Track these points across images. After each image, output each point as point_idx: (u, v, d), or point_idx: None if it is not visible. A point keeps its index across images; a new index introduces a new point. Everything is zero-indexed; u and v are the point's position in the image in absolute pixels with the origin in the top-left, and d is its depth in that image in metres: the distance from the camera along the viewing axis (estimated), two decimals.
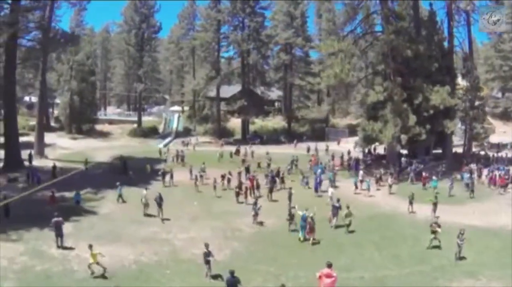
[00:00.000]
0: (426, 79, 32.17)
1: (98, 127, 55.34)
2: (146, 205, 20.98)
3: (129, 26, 54.86)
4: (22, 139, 35.20)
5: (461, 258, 15.58)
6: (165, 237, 18.07)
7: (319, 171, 28.81)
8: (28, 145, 36.64)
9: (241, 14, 51.30)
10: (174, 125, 58.73)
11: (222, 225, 19.83)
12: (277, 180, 27.27)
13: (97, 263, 13.81)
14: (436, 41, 35.55)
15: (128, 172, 30.34)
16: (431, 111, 31.68)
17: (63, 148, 43.26)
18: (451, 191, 26.04)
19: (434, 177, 28.21)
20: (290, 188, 23.71)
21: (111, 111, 74.42)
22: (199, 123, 58.22)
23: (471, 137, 38.97)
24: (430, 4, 37.18)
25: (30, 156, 33.99)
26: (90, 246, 14.05)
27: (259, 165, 33.27)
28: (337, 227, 19.28)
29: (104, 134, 53.57)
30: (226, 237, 18.26)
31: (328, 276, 11.26)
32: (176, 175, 28.84)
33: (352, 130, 48.87)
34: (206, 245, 13.95)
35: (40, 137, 38.66)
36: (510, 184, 28.15)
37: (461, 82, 39.29)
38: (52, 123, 55.81)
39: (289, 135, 53.23)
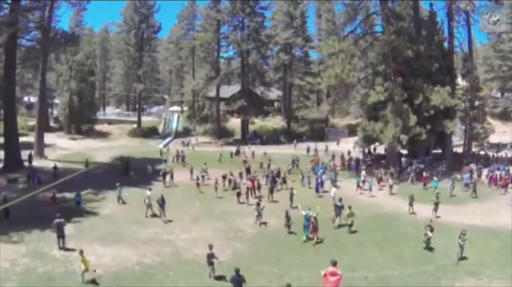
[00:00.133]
0: (427, 80, 32.20)
1: (98, 127, 55.21)
2: (149, 205, 20.79)
3: (129, 26, 54.69)
4: (21, 139, 35.02)
5: (463, 258, 15.61)
6: (167, 238, 18.04)
7: (320, 171, 28.82)
8: (27, 145, 36.48)
9: (241, 14, 51.26)
10: (174, 125, 58.61)
11: (224, 225, 19.83)
12: (278, 180, 27.21)
13: (87, 270, 13.36)
14: (436, 41, 35.60)
15: (129, 173, 30.31)
16: (432, 112, 31.72)
17: (63, 148, 43.16)
18: (452, 191, 26.08)
19: (434, 177, 28.24)
20: (292, 188, 23.70)
21: (110, 111, 74.18)
22: (198, 124, 58.15)
23: (471, 137, 38.98)
24: (430, 5, 37.28)
25: (30, 156, 33.91)
26: (81, 252, 13.62)
27: (261, 165, 33.26)
28: (339, 226, 19.33)
29: (103, 135, 53.42)
30: (228, 238, 18.25)
31: (333, 274, 11.37)
32: (176, 175, 28.82)
33: (351, 131, 48.94)
34: (210, 247, 13.90)
35: (40, 138, 38.52)
36: (510, 184, 28.22)
37: (461, 82, 39.36)
38: (51, 124, 55.58)
39: (289, 136, 53.21)
